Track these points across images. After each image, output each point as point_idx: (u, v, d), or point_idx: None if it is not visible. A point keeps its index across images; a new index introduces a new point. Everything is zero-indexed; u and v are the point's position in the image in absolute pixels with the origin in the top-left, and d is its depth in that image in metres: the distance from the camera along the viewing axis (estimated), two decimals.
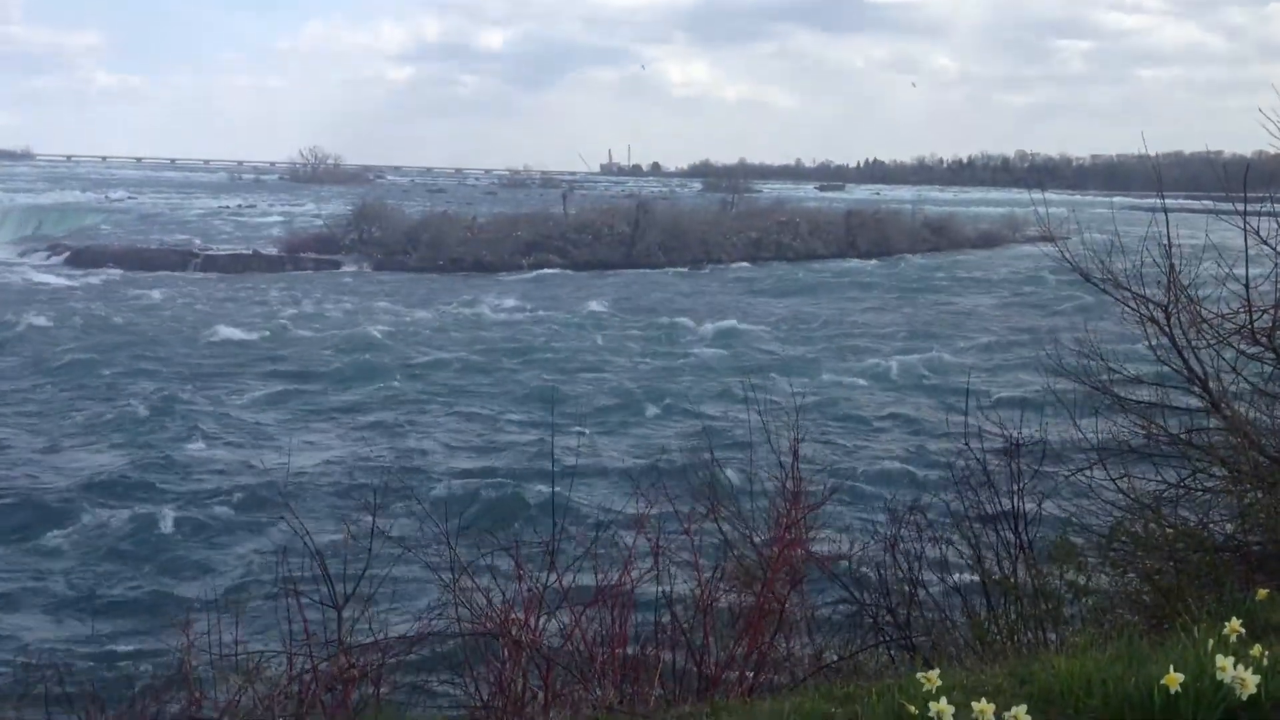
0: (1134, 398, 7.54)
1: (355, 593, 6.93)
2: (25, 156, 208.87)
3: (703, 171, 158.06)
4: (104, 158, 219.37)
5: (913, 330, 39.41)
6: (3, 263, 57.78)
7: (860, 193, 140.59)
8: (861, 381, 30.02)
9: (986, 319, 42.73)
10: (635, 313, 42.93)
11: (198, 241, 65.81)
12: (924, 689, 3.59)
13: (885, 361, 32.51)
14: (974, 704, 3.34)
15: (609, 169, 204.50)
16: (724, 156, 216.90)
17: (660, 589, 7.44)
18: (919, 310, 45.40)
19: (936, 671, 3.63)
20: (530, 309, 43.50)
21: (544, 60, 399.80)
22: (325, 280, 52.89)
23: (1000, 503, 7.37)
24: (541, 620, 7.09)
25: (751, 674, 6.83)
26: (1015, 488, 7.33)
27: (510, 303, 45.04)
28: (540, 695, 6.64)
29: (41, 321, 37.02)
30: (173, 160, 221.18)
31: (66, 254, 59.22)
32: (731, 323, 39.82)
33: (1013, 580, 6.91)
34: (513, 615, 6.96)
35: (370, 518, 7.46)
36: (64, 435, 23.40)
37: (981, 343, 36.63)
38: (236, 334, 36.07)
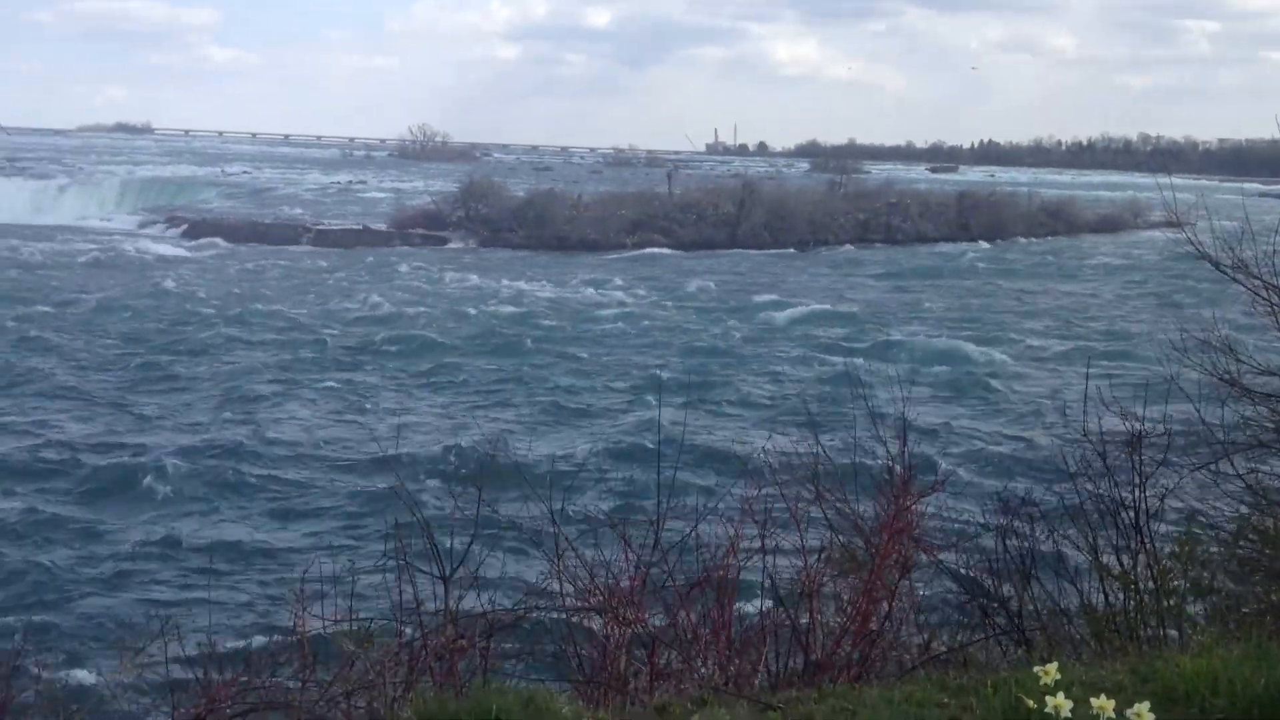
0: (1264, 389, 7.29)
1: (462, 565, 7.01)
2: (145, 131, 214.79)
3: (810, 152, 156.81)
4: (220, 133, 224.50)
5: (1025, 314, 38.66)
6: (124, 233, 59.57)
7: (973, 174, 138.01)
8: (974, 367, 29.54)
9: (1105, 305, 41.76)
10: (738, 293, 42.74)
11: (309, 216, 67.09)
12: (1041, 682, 3.50)
13: (995, 347, 31.98)
14: (1093, 700, 3.25)
15: (714, 148, 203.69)
16: (832, 137, 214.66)
17: (765, 572, 7.40)
18: (1032, 294, 44.50)
19: (1055, 665, 3.53)
20: (633, 288, 43.53)
21: (650, 39, 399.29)
22: (434, 255, 53.51)
23: (1120, 495, 7.18)
24: (645, 598, 7.10)
25: (858, 661, 6.74)
26: (1136, 480, 7.12)
27: (614, 281, 45.12)
28: (644, 673, 6.65)
29: (170, 285, 38.07)
30: (286, 136, 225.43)
31: (184, 226, 60.82)
32: (836, 305, 39.46)
33: (1132, 576, 6.72)
34: (617, 592, 6.97)
35: (477, 491, 7.54)
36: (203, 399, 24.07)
37: (1099, 329, 35.82)
38: (353, 309, 36.73)
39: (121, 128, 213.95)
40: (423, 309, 37.09)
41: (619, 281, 45.02)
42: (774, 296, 41.41)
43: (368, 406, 24.39)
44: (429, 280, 44.58)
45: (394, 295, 39.94)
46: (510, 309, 37.60)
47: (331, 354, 29.61)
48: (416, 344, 31.24)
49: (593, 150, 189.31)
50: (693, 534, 7.54)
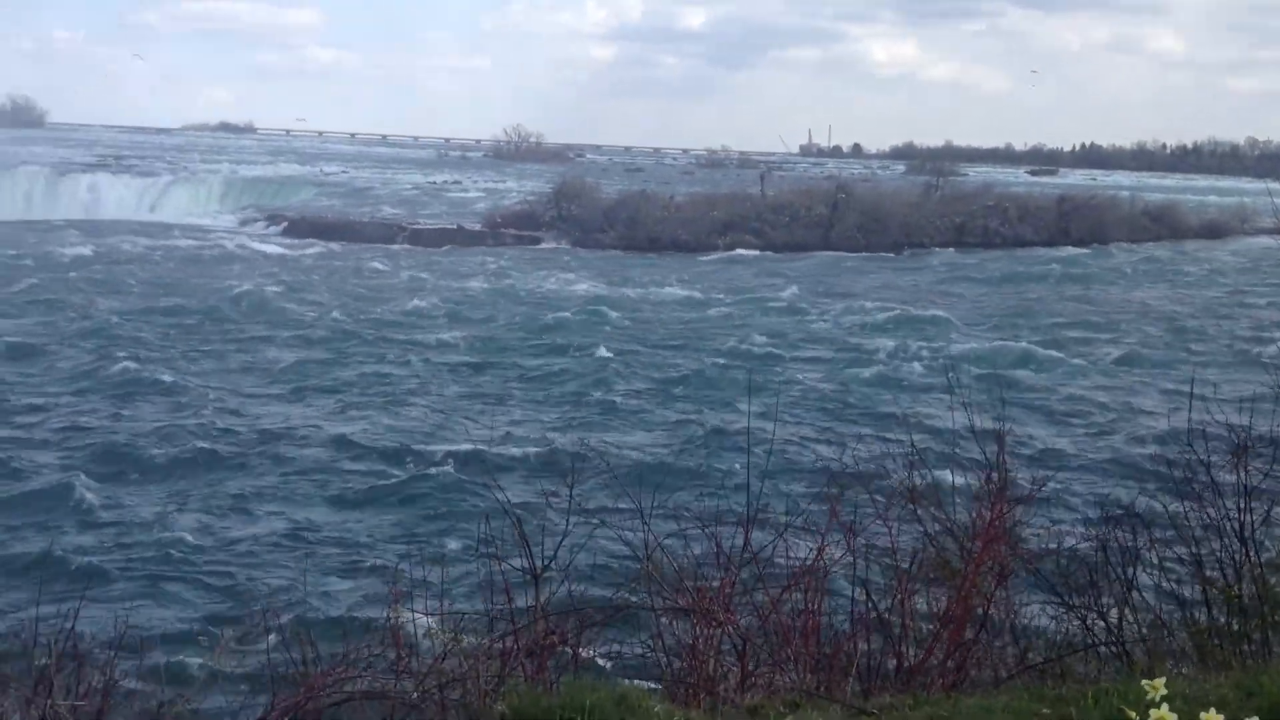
0: None
1: (553, 562, 7.06)
2: (248, 130, 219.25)
3: (906, 154, 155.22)
4: (320, 133, 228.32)
5: (1126, 320, 37.87)
6: (226, 231, 60.95)
7: (1074, 178, 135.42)
8: (1070, 372, 29.03)
9: (1209, 312, 40.70)
10: (829, 295, 42.47)
11: (405, 215, 68.01)
12: (1146, 696, 3.42)
13: (1094, 353, 31.40)
14: (1201, 715, 3.17)
15: (808, 150, 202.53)
16: (929, 138, 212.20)
17: (856, 576, 7.35)
18: (1134, 300, 43.58)
19: (1162, 680, 3.45)
20: (724, 289, 43.45)
21: (744, 40, 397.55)
22: (528, 255, 53.94)
23: (1225, 506, 7.00)
24: (735, 599, 7.09)
25: (953, 669, 6.66)
26: (1241, 491, 6.95)
27: (705, 282, 45.11)
28: (734, 674, 6.64)
29: (271, 285, 38.89)
30: (384, 136, 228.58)
31: (284, 225, 62.04)
32: (929, 309, 39.03)
33: (1237, 589, 6.55)
34: (707, 593, 6.97)
35: (568, 489, 7.59)
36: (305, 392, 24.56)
37: (1203, 337, 34.97)
38: (427, 304, 37.17)
39: (225, 127, 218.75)
40: (509, 308, 37.39)
41: (708, 282, 44.98)
42: (865, 299, 41.08)
43: (455, 404, 24.63)
44: (515, 279, 44.93)
45: (480, 293, 40.36)
46: (601, 309, 37.74)
47: (414, 350, 29.98)
48: (498, 344, 31.55)
49: (685, 152, 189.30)
50: (783, 536, 7.52)
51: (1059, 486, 17.60)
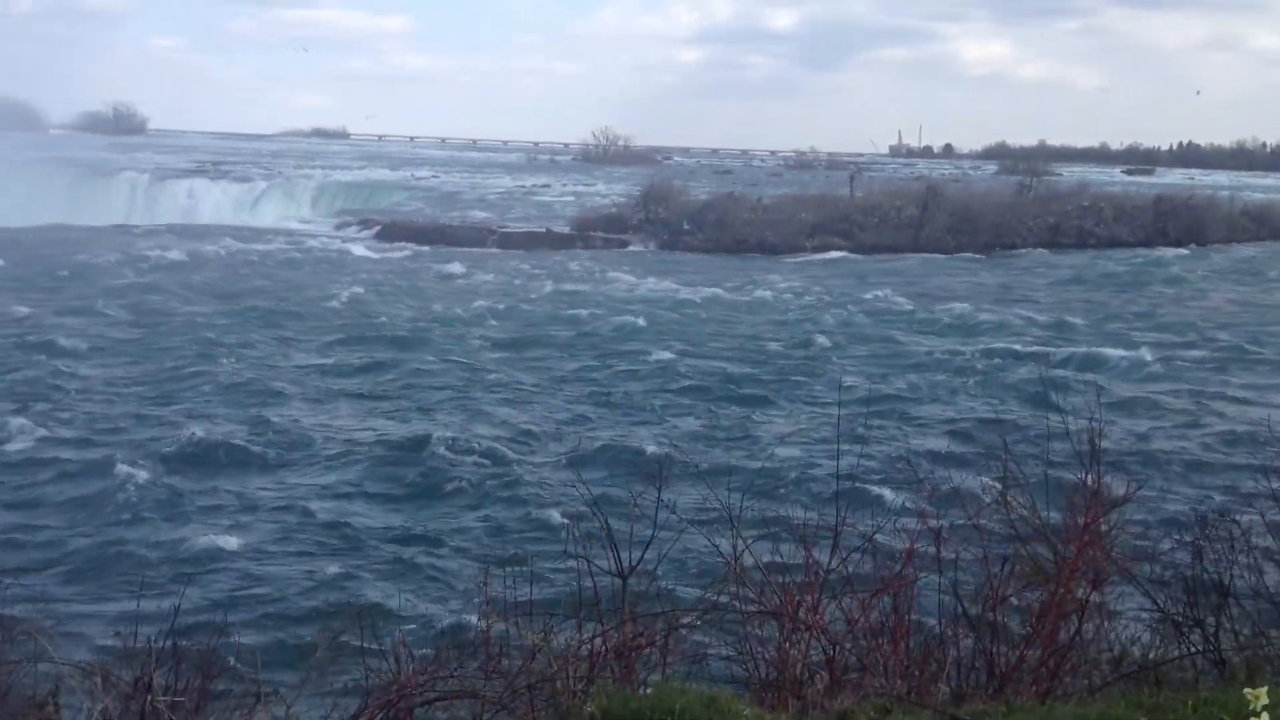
0: None
1: (640, 563, 7.08)
2: (341, 136, 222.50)
3: (998, 154, 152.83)
4: (411, 138, 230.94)
5: (1223, 322, 36.94)
6: (319, 235, 62.01)
7: (1172, 177, 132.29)
8: (1165, 375, 28.41)
9: None
10: (920, 296, 42.01)
11: (494, 219, 68.63)
12: (1250, 705, 3.35)
13: (1189, 355, 30.69)
14: None
15: (898, 151, 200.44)
16: (1021, 138, 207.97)
17: (945, 580, 7.28)
18: (1233, 302, 42.51)
19: (1265, 689, 3.37)
20: (815, 291, 43.19)
21: (833, 40, 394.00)
22: (615, 257, 54.13)
23: None
24: (823, 603, 7.06)
25: (1046, 676, 6.57)
26: None
27: (795, 284, 44.89)
28: (821, 678, 6.61)
29: (360, 287, 39.46)
30: (474, 141, 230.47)
31: (376, 229, 62.94)
32: (1020, 311, 38.45)
33: None
34: (794, 596, 6.95)
35: (656, 490, 7.61)
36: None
37: None
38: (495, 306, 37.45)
39: (318, 132, 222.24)
40: (594, 310, 37.54)
41: (796, 284, 44.76)
42: (957, 300, 40.58)
43: (541, 403, 24.81)
44: (601, 280, 45.11)
45: (566, 294, 40.58)
46: (690, 312, 37.77)
47: (497, 351, 30.24)
48: (585, 344, 31.71)
49: (773, 153, 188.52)
50: (872, 539, 7.47)
51: (1154, 491, 17.26)
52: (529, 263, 51.08)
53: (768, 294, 42.23)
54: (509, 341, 31.97)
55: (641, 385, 26.62)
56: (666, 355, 29.84)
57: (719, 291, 42.38)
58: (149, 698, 5.21)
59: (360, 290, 39.98)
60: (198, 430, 21.50)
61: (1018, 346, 32.35)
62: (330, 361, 28.79)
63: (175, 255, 48.67)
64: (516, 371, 27.95)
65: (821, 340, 32.67)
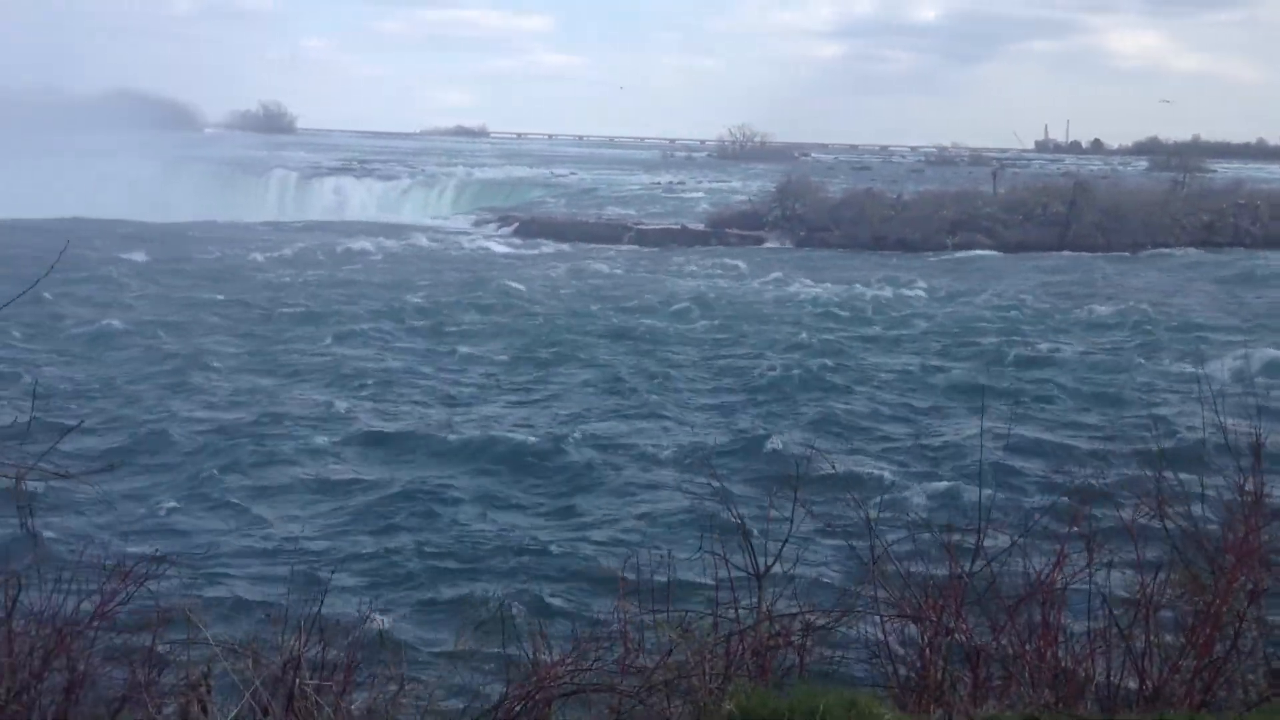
0: None
1: (776, 563, 7.03)
2: (482, 134, 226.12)
3: (1149, 149, 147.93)
4: (550, 135, 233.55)
5: None
6: (460, 232, 63.14)
7: None
8: None
9: None
10: (1063, 296, 40.95)
11: (631, 215, 68.98)
12: None
13: None
14: None
15: (1044, 146, 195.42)
16: (1174, 133, 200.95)
17: (1095, 588, 7.07)
18: None
19: None
20: (953, 289, 42.44)
21: (978, 33, 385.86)
22: (751, 254, 53.94)
23: None
24: (966, 607, 6.91)
25: (1200, 689, 6.32)
26: None
27: (935, 282, 44.16)
28: (964, 684, 6.48)
29: (513, 283, 40.10)
30: (611, 138, 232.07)
31: (515, 225, 63.81)
32: (1171, 311, 37.18)
33: None
34: (935, 601, 6.82)
35: (793, 490, 7.54)
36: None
37: None
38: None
39: (460, 131, 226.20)
40: (726, 308, 37.47)
41: (933, 283, 44.01)
42: (1100, 303, 39.43)
43: (676, 402, 24.83)
44: (737, 278, 44.99)
45: (700, 291, 40.55)
46: (834, 312, 37.45)
47: (638, 346, 30.35)
48: (716, 341, 31.67)
49: (914, 149, 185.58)
50: (1017, 543, 7.29)
51: None
52: (667, 258, 51.26)
53: (907, 293, 41.60)
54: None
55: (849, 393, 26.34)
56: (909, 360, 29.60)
57: (861, 290, 41.90)
58: (297, 680, 5.34)
59: (515, 283, 40.59)
60: (368, 419, 22.02)
61: (1162, 344, 31.38)
62: (487, 354, 29.30)
63: (306, 249, 50.12)
64: (659, 367, 28.07)
65: (967, 341, 32.10)
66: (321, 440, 21.09)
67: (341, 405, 23.67)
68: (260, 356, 28.68)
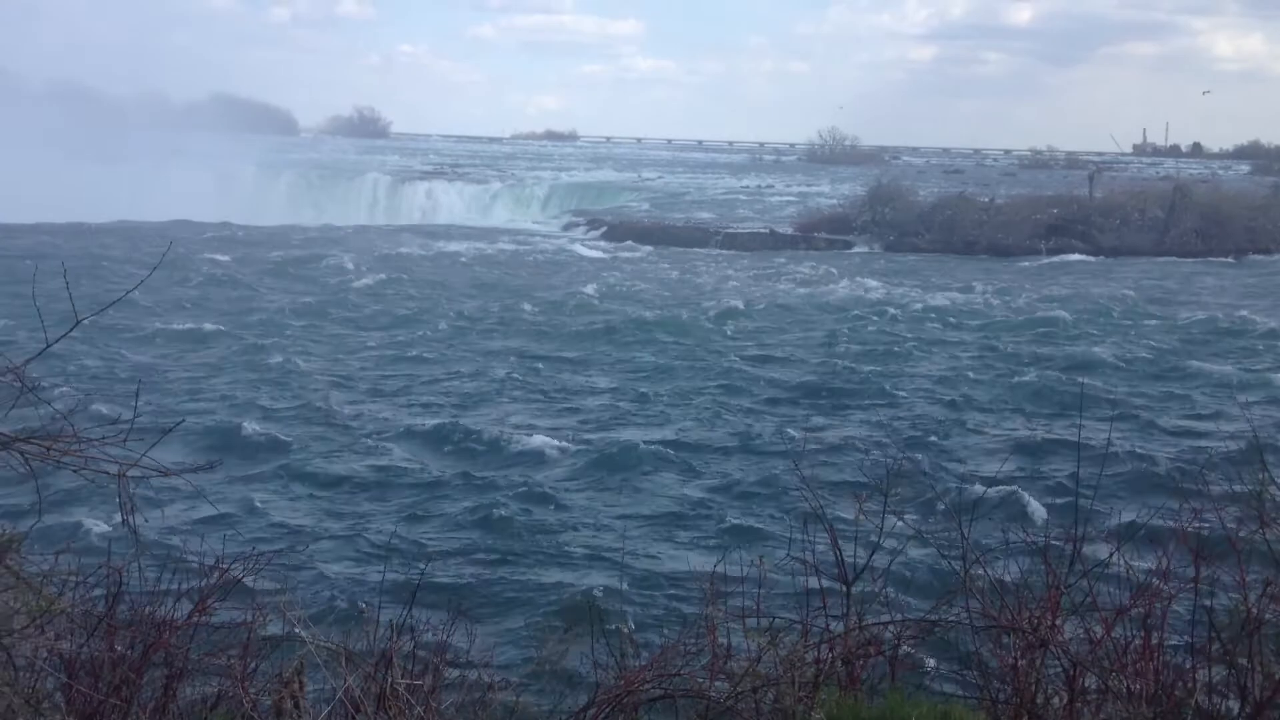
0: None
1: (866, 570, 6.94)
2: (571, 138, 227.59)
3: (1252, 153, 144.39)
4: (639, 139, 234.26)
5: None
6: (548, 235, 63.59)
7: None
8: None
9: None
10: (1160, 301, 40.11)
11: (718, 219, 68.89)
12: None
13: None
14: None
15: (1142, 149, 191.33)
16: (1277, 137, 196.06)
17: (1197, 602, 6.87)
18: None
19: None
20: (1049, 295, 41.71)
21: (1074, 35, 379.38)
22: (840, 258, 53.59)
23: None
24: (1061, 620, 6.76)
25: None
26: None
27: (1027, 286, 43.47)
28: (1060, 699, 6.34)
29: (593, 287, 40.26)
30: (700, 142, 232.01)
31: (603, 229, 64.07)
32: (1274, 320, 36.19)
33: None
34: (1029, 611, 6.69)
35: (883, 497, 7.44)
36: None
37: None
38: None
39: (550, 135, 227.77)
40: (814, 313, 37.21)
41: (1025, 287, 43.32)
42: (1205, 308, 38.51)
43: (764, 406, 24.72)
44: (825, 282, 44.67)
45: (789, 295, 40.35)
46: (926, 314, 37.03)
47: (719, 348, 30.27)
48: (803, 345, 31.45)
49: (1007, 152, 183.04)
50: (1116, 554, 7.12)
51: None
52: (755, 262, 51.10)
53: (1003, 298, 40.99)
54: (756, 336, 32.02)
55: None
56: (901, 360, 29.29)
57: (950, 295, 41.38)
58: (389, 679, 5.39)
59: (593, 287, 40.73)
60: (460, 418, 22.29)
61: (1266, 355, 30.51)
62: (585, 356, 29.43)
63: (415, 251, 50.72)
64: (743, 371, 27.98)
65: (1062, 347, 31.55)
66: (414, 443, 21.36)
67: (437, 408, 23.96)
68: (353, 357, 29.14)
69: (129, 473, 5.19)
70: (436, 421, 22.68)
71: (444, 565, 15.29)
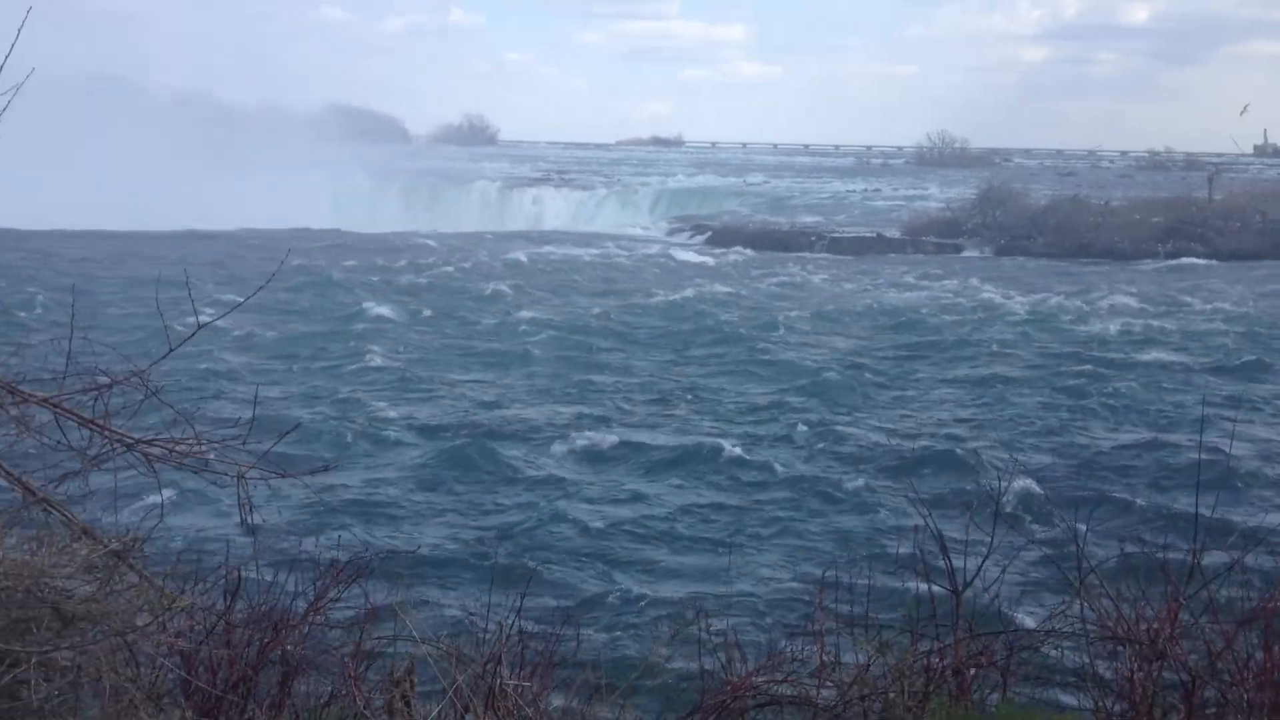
0: None
1: (976, 579, 6.83)
2: (677, 144, 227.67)
3: None
4: (744, 144, 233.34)
5: None
6: (652, 240, 63.73)
7: None
8: None
9: None
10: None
11: (824, 223, 68.40)
12: None
13: None
14: None
15: (1264, 150, 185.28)
16: None
17: None
18: None
19: None
20: (1168, 299, 40.62)
21: (1193, 35, 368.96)
22: (949, 262, 52.84)
23: None
24: (1179, 631, 6.59)
25: None
26: None
27: (1143, 290, 42.40)
28: (1178, 714, 6.18)
29: (702, 290, 40.27)
30: (806, 146, 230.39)
31: (708, 234, 64.04)
32: None
33: None
34: (1146, 623, 6.52)
35: (995, 504, 7.33)
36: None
37: None
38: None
39: (656, 141, 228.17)
40: (927, 318, 36.72)
41: (1144, 292, 42.23)
42: None
43: (869, 411, 24.48)
44: (932, 285, 44.06)
45: (898, 300, 39.86)
46: (1034, 319, 36.36)
47: (828, 353, 30.02)
48: (910, 350, 31.07)
49: (1123, 154, 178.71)
50: (1237, 565, 6.91)
51: None
52: (860, 266, 50.65)
53: (1124, 300, 40.01)
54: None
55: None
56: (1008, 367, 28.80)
57: (1066, 301, 40.52)
58: (498, 679, 5.45)
59: (691, 291, 40.76)
60: (574, 423, 22.48)
61: None
62: (677, 362, 29.50)
63: (518, 258, 51.25)
64: (854, 374, 27.76)
65: (1185, 353, 30.71)
66: (529, 445, 21.61)
67: (559, 411, 24.18)
68: (469, 359, 29.54)
69: (247, 474, 5.34)
70: (549, 423, 22.90)
71: (556, 567, 15.43)
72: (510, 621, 6.07)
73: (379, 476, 19.81)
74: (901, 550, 6.98)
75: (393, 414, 23.61)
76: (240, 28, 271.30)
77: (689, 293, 40.77)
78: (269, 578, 6.48)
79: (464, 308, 37.85)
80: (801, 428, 22.88)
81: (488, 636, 6.06)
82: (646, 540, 16.89)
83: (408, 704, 5.73)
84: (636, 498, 18.66)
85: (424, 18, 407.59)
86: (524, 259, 51.35)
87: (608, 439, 21.93)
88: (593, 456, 21.15)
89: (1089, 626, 6.69)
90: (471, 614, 6.75)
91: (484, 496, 18.85)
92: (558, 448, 21.51)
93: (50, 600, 4.53)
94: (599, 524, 17.42)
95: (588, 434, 22.19)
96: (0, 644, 4.20)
